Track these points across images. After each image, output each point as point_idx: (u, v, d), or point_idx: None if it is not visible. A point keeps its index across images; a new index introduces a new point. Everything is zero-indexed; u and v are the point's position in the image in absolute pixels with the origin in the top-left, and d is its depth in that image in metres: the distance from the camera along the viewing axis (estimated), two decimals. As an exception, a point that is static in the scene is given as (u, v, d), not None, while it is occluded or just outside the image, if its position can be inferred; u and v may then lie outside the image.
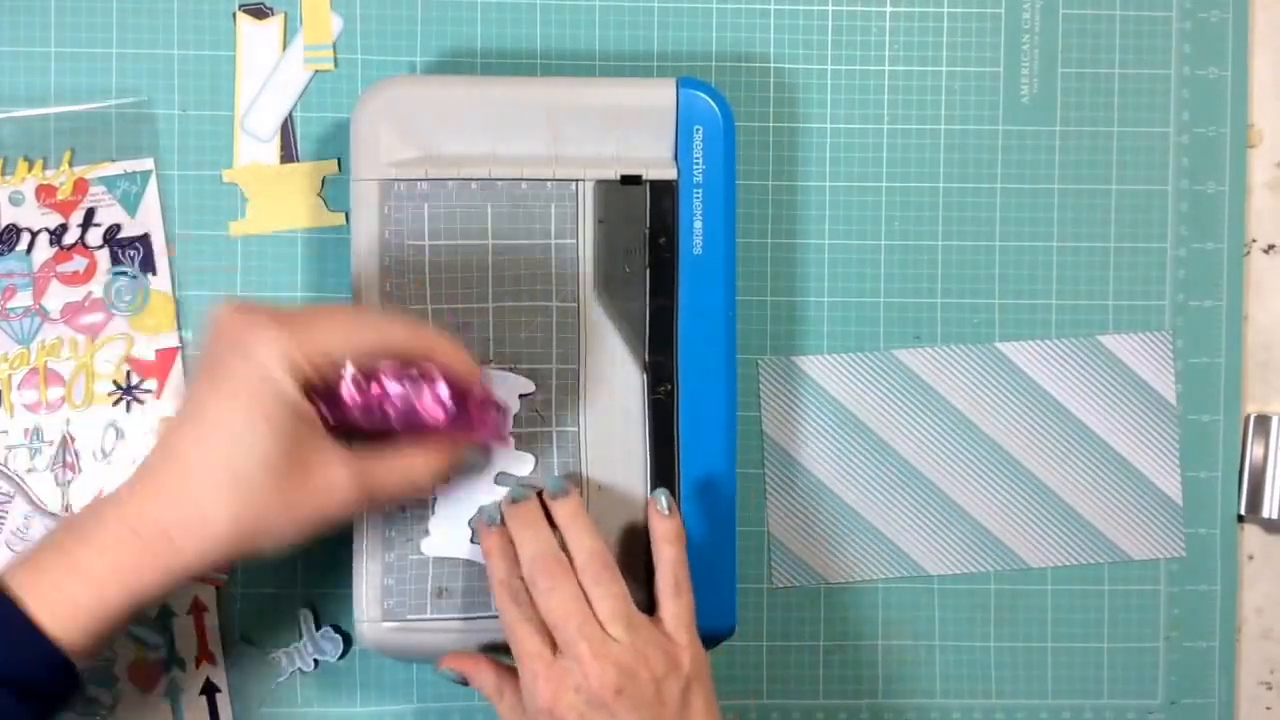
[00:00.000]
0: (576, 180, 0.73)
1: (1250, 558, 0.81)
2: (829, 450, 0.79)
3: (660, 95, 0.74)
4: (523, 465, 0.73)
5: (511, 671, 0.69)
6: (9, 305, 0.76)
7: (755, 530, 0.79)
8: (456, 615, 0.73)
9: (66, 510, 0.77)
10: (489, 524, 0.70)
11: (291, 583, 0.78)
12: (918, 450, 0.80)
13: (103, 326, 0.77)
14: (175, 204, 0.77)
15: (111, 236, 0.77)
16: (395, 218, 0.73)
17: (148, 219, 0.77)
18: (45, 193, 0.76)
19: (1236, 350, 0.80)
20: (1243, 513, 0.81)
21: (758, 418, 0.79)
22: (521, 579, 0.68)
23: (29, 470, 0.77)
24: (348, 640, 0.78)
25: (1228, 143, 0.80)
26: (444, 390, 0.65)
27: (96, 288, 0.77)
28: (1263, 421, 0.80)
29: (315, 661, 0.78)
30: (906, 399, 0.80)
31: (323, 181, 0.78)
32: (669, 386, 0.73)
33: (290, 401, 0.61)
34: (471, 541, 0.73)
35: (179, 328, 0.77)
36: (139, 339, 0.77)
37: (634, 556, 0.73)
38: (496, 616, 0.72)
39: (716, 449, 0.73)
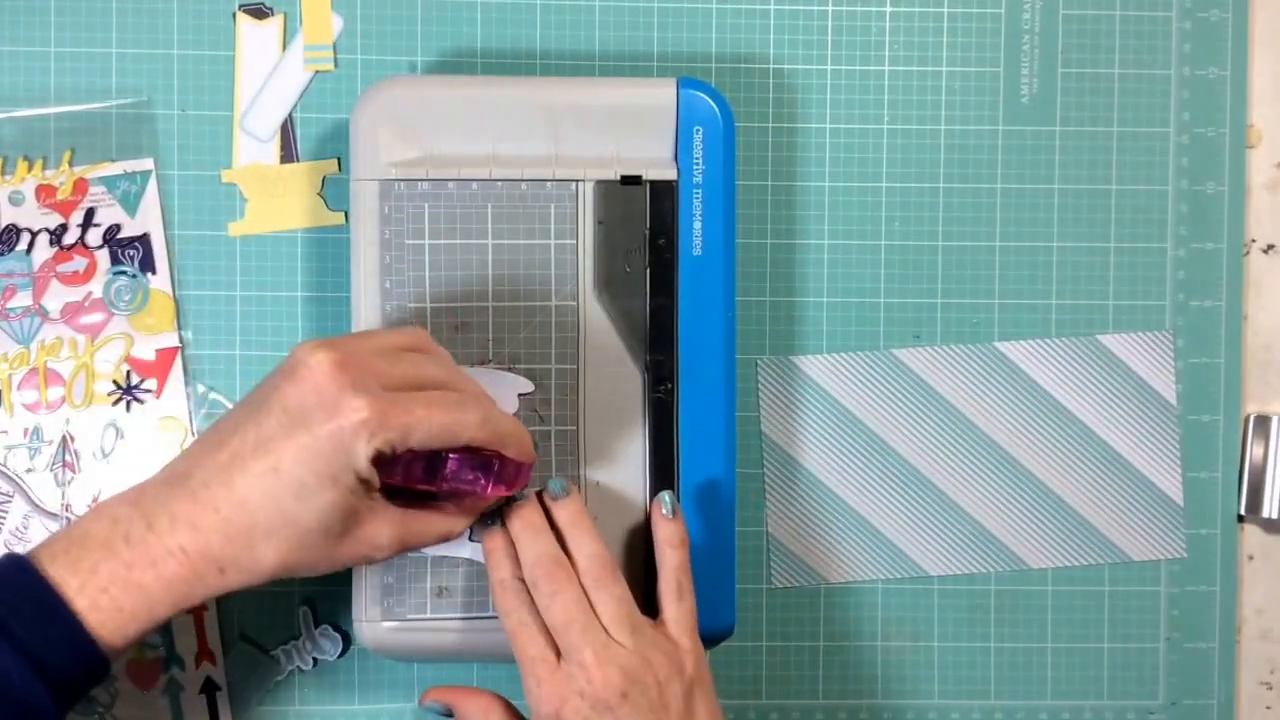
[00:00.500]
0: (576, 180, 0.73)
1: (1250, 558, 0.81)
2: (828, 450, 0.79)
3: (660, 95, 0.74)
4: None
5: (498, 700, 0.70)
6: (9, 305, 0.76)
7: (754, 530, 0.79)
8: (457, 615, 0.73)
9: (66, 510, 0.77)
10: (489, 524, 0.70)
11: (291, 581, 0.78)
12: (917, 450, 0.80)
13: (102, 326, 0.77)
14: (175, 204, 0.77)
15: (111, 236, 0.77)
16: (395, 218, 0.73)
17: (147, 219, 0.77)
18: (45, 193, 0.76)
19: (1236, 350, 0.80)
20: (1243, 513, 0.81)
21: (757, 418, 0.79)
22: (522, 581, 0.68)
23: (28, 470, 0.77)
24: (347, 639, 0.78)
25: (1227, 143, 0.80)
26: (494, 473, 0.66)
27: (96, 288, 0.77)
28: (1263, 421, 0.80)
29: (314, 660, 0.78)
30: (906, 399, 0.80)
31: (323, 181, 0.78)
32: (669, 386, 0.73)
33: (362, 471, 0.61)
34: (471, 540, 0.73)
35: (179, 327, 0.77)
36: (139, 339, 0.77)
37: (633, 557, 0.73)
38: (497, 616, 0.72)
39: (716, 449, 0.73)
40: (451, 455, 0.65)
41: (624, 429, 0.73)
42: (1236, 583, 0.81)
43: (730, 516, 0.74)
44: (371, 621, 0.73)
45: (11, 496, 0.77)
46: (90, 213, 0.77)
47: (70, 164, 0.77)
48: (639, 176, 0.73)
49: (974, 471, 0.80)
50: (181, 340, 0.77)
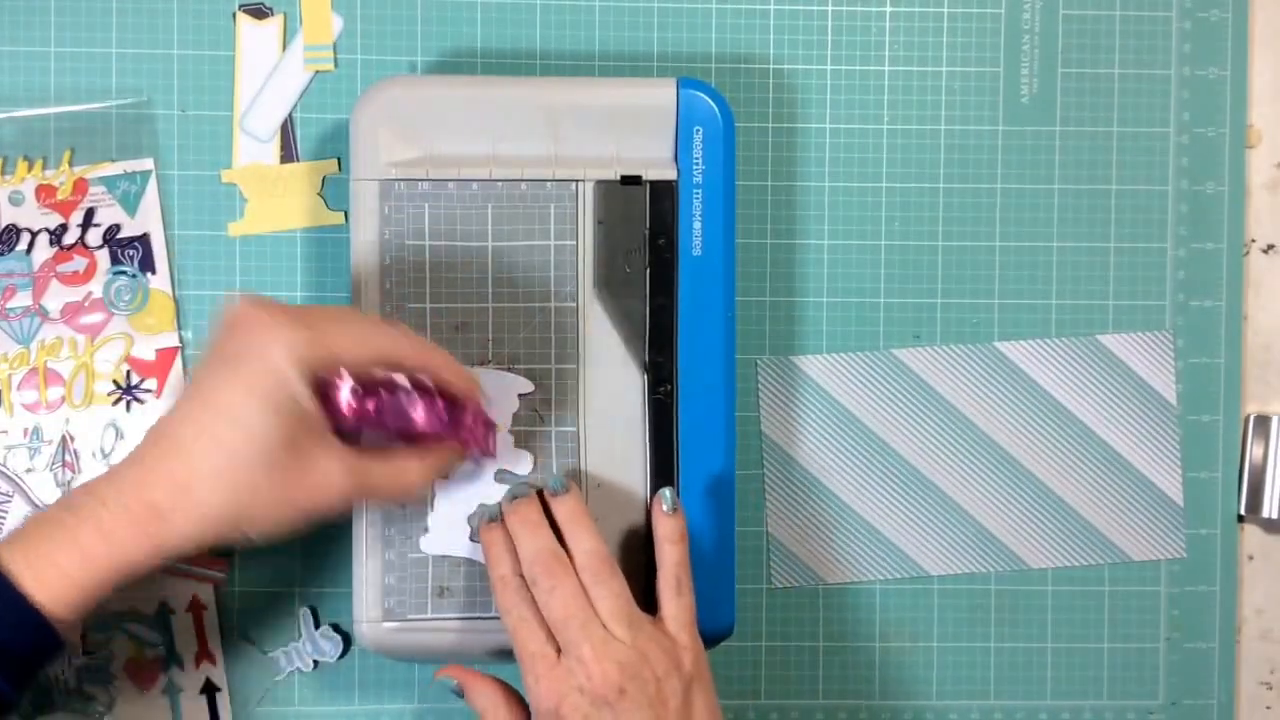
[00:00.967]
0: (576, 181, 0.73)
1: (1250, 558, 0.81)
2: (828, 450, 0.79)
3: (660, 95, 0.74)
4: (522, 464, 0.73)
5: (509, 691, 0.70)
6: (9, 305, 0.76)
7: (754, 530, 0.79)
8: (458, 615, 0.73)
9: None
10: (489, 521, 0.70)
11: (291, 581, 0.78)
12: (917, 450, 0.80)
13: (102, 326, 0.77)
14: (175, 204, 0.77)
15: (111, 236, 0.77)
16: (395, 218, 0.73)
17: (147, 219, 0.77)
18: (45, 193, 0.76)
19: (1236, 350, 0.80)
20: (1243, 513, 0.81)
21: (757, 418, 0.79)
22: (522, 577, 0.68)
23: (28, 470, 0.77)
24: (347, 640, 0.78)
25: (1227, 143, 0.80)
26: (439, 403, 0.66)
27: (96, 287, 0.77)
28: (1262, 421, 0.80)
29: (314, 661, 0.78)
30: (906, 399, 0.80)
31: (323, 181, 0.78)
32: (668, 386, 0.73)
33: (299, 397, 0.62)
34: (471, 539, 0.73)
35: (179, 327, 0.77)
36: (139, 339, 0.77)
37: (633, 556, 0.73)
38: (498, 616, 0.72)
39: (716, 449, 0.73)
40: (381, 380, 0.65)
41: (624, 429, 0.73)
42: (1236, 583, 0.81)
43: (730, 516, 0.74)
44: (372, 622, 0.73)
45: (11, 496, 0.77)
46: (90, 213, 0.77)
47: (70, 164, 0.77)
48: (639, 176, 0.73)
49: (974, 471, 0.80)
50: (181, 340, 0.77)
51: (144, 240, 0.77)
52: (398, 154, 0.73)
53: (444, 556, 0.73)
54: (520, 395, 0.73)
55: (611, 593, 0.67)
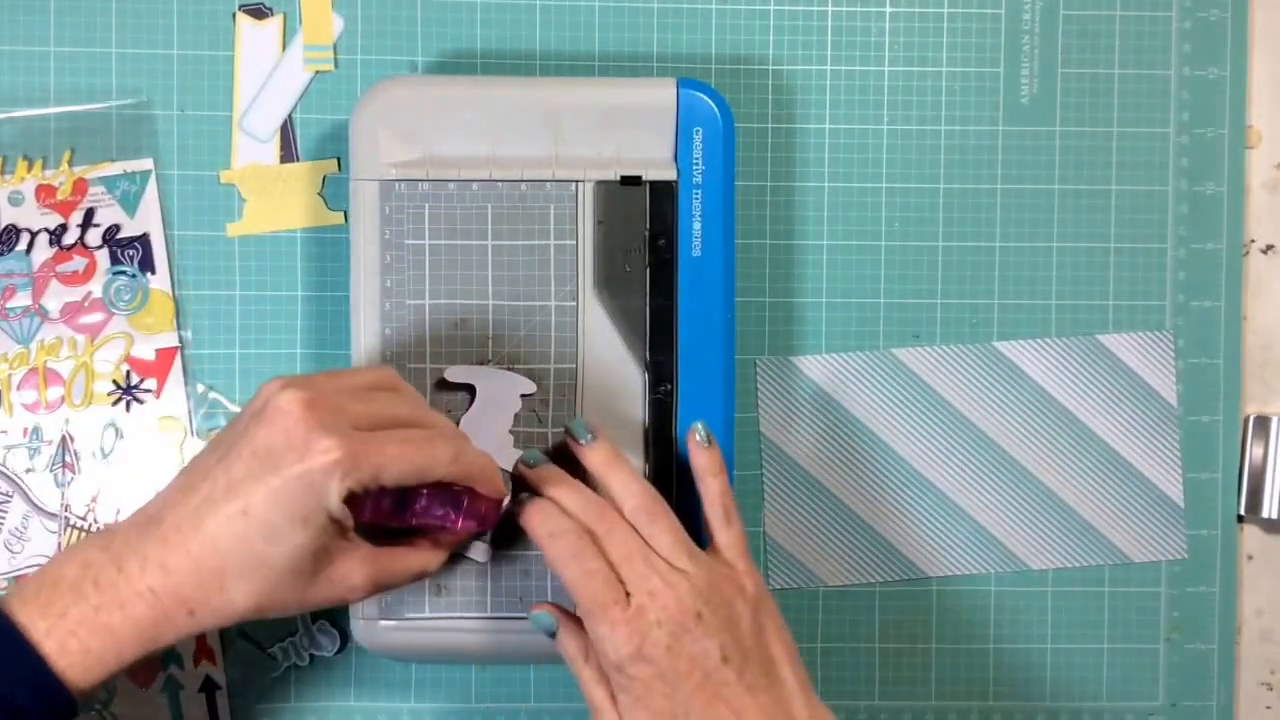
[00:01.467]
0: (576, 181, 0.73)
1: (1250, 558, 0.81)
2: (826, 451, 0.79)
3: (660, 96, 0.74)
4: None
5: (588, 648, 0.68)
6: (8, 305, 0.76)
7: (753, 531, 0.79)
8: (455, 614, 0.73)
9: (66, 510, 0.77)
10: (523, 497, 0.69)
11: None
12: (917, 451, 0.80)
13: (102, 326, 0.77)
14: (175, 204, 0.77)
15: (111, 236, 0.77)
16: (395, 218, 0.73)
17: (147, 219, 0.77)
18: (45, 193, 0.77)
19: (1235, 351, 0.80)
20: (1242, 513, 0.80)
21: (755, 418, 0.79)
22: (578, 530, 0.67)
23: (28, 470, 0.77)
24: (345, 636, 0.78)
25: (1226, 143, 0.80)
26: (463, 503, 0.66)
27: (96, 287, 0.77)
28: (1262, 422, 0.80)
29: (312, 657, 0.78)
30: (905, 399, 0.80)
31: (322, 181, 0.78)
32: (668, 386, 0.73)
33: (337, 514, 0.61)
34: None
35: (178, 327, 0.77)
36: (138, 338, 0.77)
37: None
38: (498, 616, 0.73)
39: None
40: (422, 491, 0.65)
41: (624, 429, 0.73)
42: (1236, 583, 0.81)
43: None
44: (369, 620, 0.73)
45: (11, 496, 0.77)
46: (90, 213, 0.77)
47: (70, 164, 0.77)
48: (639, 177, 0.73)
49: (974, 472, 0.80)
50: (181, 340, 0.77)
51: (143, 240, 0.77)
52: (398, 154, 0.73)
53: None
54: (522, 395, 0.73)
55: (665, 529, 0.67)
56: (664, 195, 0.73)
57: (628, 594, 0.65)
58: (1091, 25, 0.80)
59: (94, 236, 0.77)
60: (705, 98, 0.74)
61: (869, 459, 0.79)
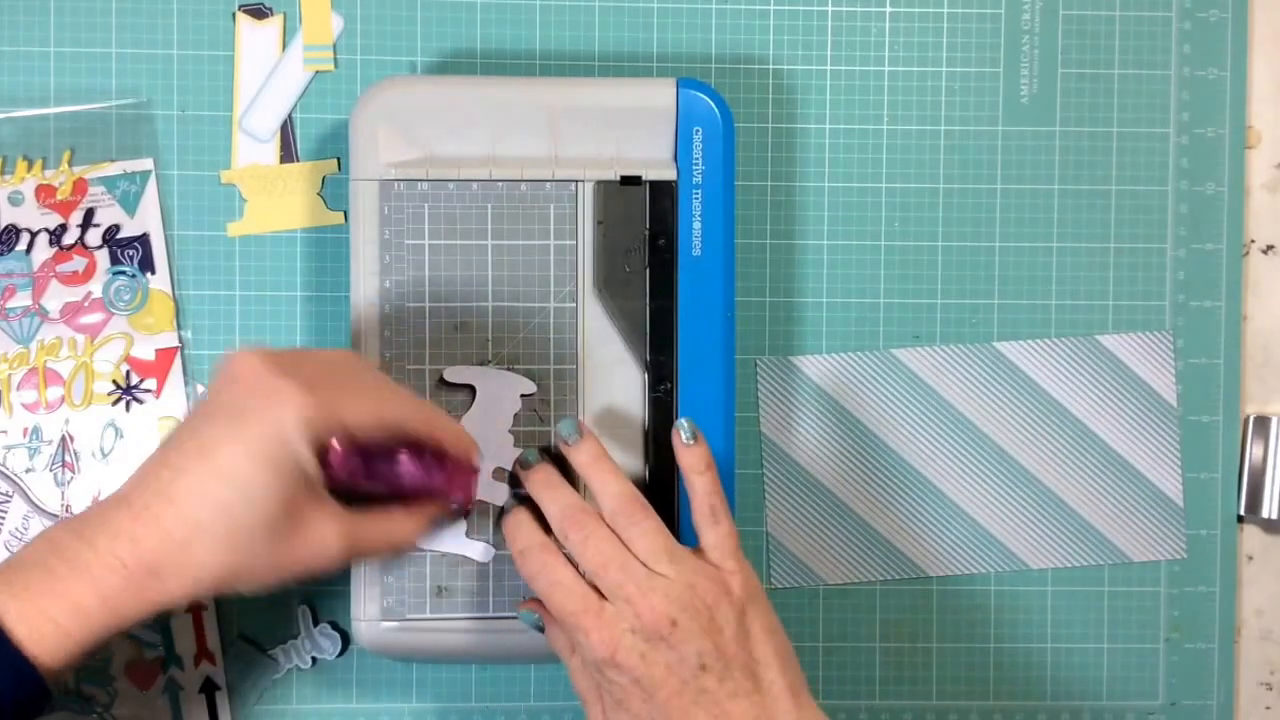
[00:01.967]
0: (576, 181, 0.73)
1: (1250, 558, 0.81)
2: (827, 450, 0.79)
3: (660, 96, 0.74)
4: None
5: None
6: (8, 305, 0.76)
7: (754, 530, 0.79)
8: (457, 615, 0.73)
9: (66, 510, 0.77)
10: (509, 506, 0.70)
11: (290, 581, 0.78)
12: (917, 451, 0.80)
13: (102, 326, 0.77)
14: (174, 204, 0.77)
15: (111, 237, 0.77)
16: (395, 218, 0.73)
17: (147, 219, 0.77)
18: (45, 193, 0.77)
19: (1235, 351, 0.80)
20: (1242, 513, 0.80)
21: (756, 418, 0.79)
22: (544, 545, 0.67)
23: (28, 470, 0.77)
24: (346, 638, 0.78)
25: (1226, 143, 0.80)
26: (433, 464, 0.67)
27: (96, 287, 0.77)
28: (1262, 422, 0.80)
29: (313, 659, 0.78)
30: (905, 399, 0.80)
31: (322, 181, 0.78)
32: (668, 386, 0.73)
33: (303, 463, 0.61)
34: (466, 536, 0.73)
35: (178, 327, 0.77)
36: (138, 338, 0.77)
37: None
38: (499, 617, 0.73)
39: (715, 448, 0.73)
40: (394, 452, 0.65)
41: (624, 429, 0.73)
42: (1235, 583, 0.81)
43: (729, 516, 0.74)
44: (370, 621, 0.73)
45: (11, 496, 0.77)
46: (90, 213, 0.77)
47: (70, 164, 0.77)
48: (639, 177, 0.73)
49: (974, 472, 0.80)
50: (181, 340, 0.77)
51: (143, 240, 0.77)
52: (397, 154, 0.73)
53: (443, 556, 0.73)
54: (522, 395, 0.73)
55: (645, 531, 0.66)
56: (664, 195, 0.73)
57: (606, 600, 0.65)
58: (1091, 25, 0.80)
59: (94, 236, 0.77)
60: (705, 98, 0.74)
61: (870, 459, 0.80)
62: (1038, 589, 0.80)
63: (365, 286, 0.73)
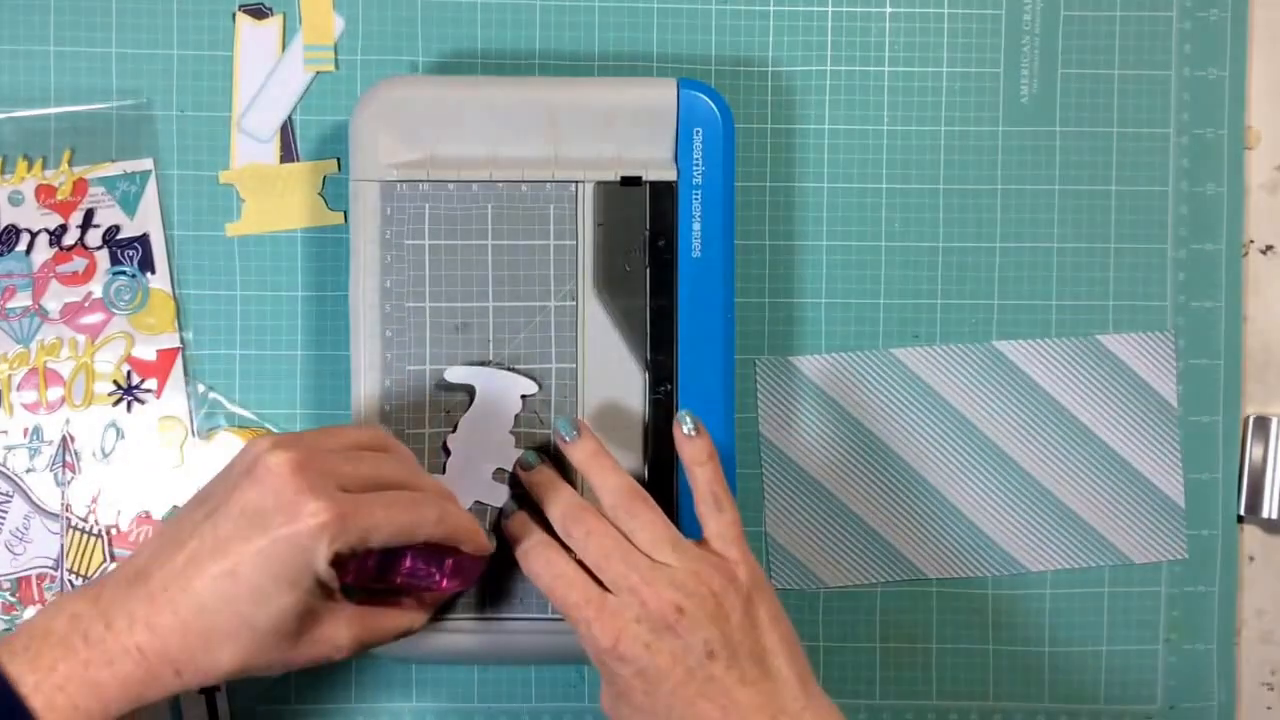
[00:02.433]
0: (576, 181, 0.73)
1: (1250, 559, 0.81)
2: (826, 451, 0.79)
3: (660, 96, 0.74)
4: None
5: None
6: (8, 305, 0.76)
7: (754, 531, 0.79)
8: (457, 616, 0.73)
9: (66, 510, 0.77)
10: (509, 510, 0.71)
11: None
12: (916, 451, 0.80)
13: (102, 326, 0.77)
14: (174, 204, 0.77)
15: (111, 237, 0.77)
16: (395, 218, 0.73)
17: (147, 219, 0.77)
18: (45, 193, 0.77)
19: (1236, 351, 0.80)
20: (1242, 514, 0.80)
21: (755, 419, 0.79)
22: (544, 543, 0.68)
23: (28, 470, 0.77)
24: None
25: (1226, 144, 0.80)
26: (448, 564, 0.67)
27: (96, 288, 0.77)
28: (1262, 422, 0.80)
29: (314, 661, 0.78)
30: (905, 399, 0.80)
31: (323, 181, 0.78)
32: (668, 386, 0.73)
33: (324, 578, 0.61)
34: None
35: (179, 328, 0.77)
36: (139, 339, 0.77)
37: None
38: (499, 618, 0.73)
39: (716, 447, 0.73)
40: (407, 551, 0.65)
41: (624, 429, 0.73)
42: (1236, 584, 0.81)
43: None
44: (370, 622, 0.73)
45: (11, 497, 0.77)
46: (90, 213, 0.77)
47: (70, 164, 0.77)
48: (639, 177, 0.73)
49: (973, 473, 0.80)
50: (182, 340, 0.77)
51: (143, 240, 0.77)
52: (398, 155, 0.73)
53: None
54: (523, 396, 0.73)
55: (646, 523, 0.67)
56: (664, 195, 0.73)
57: (610, 593, 0.65)
58: (1091, 25, 0.80)
59: (94, 237, 0.77)
60: (705, 98, 0.74)
61: (869, 460, 0.79)
62: (1037, 591, 0.80)
63: (365, 286, 0.73)
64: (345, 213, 0.77)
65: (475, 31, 0.79)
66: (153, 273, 0.77)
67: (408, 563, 0.65)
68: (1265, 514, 0.80)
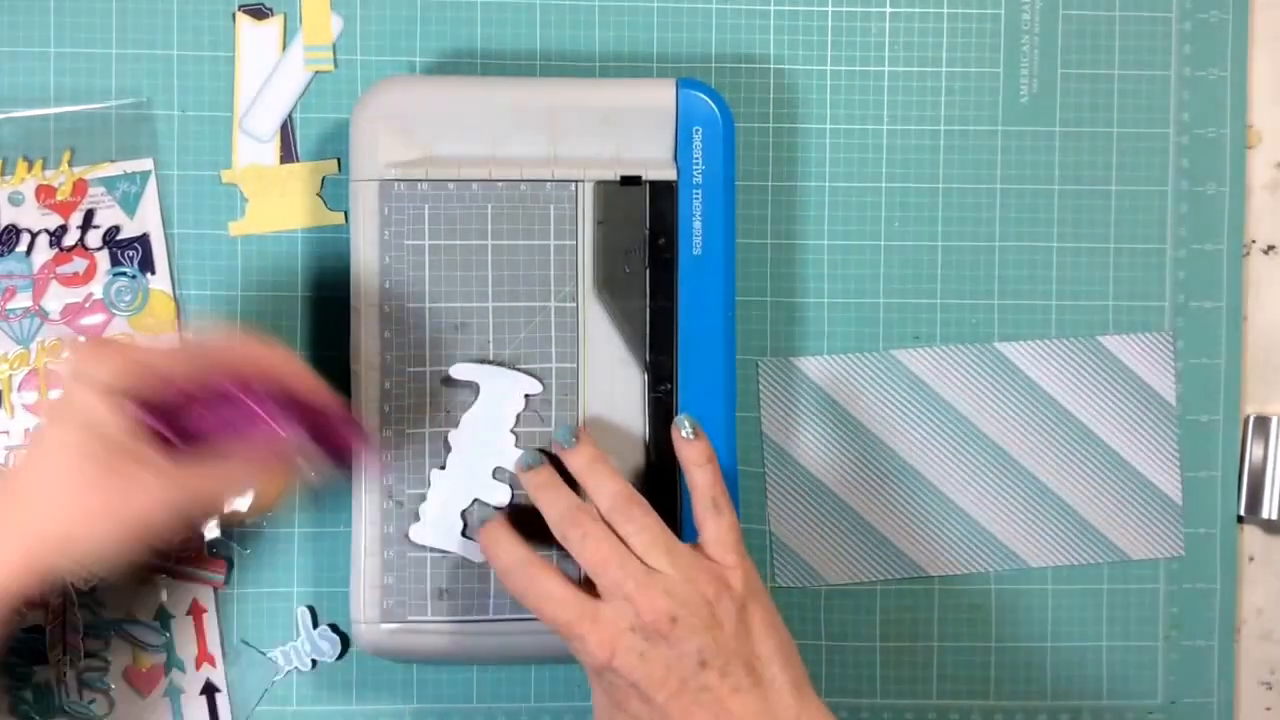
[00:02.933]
0: (576, 181, 0.73)
1: (1251, 559, 0.81)
2: (829, 451, 0.79)
3: (660, 96, 0.74)
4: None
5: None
6: (9, 306, 0.76)
7: (758, 529, 0.79)
8: (458, 617, 0.73)
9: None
10: (482, 521, 0.71)
11: (289, 582, 0.78)
12: (917, 451, 0.80)
13: (103, 327, 0.77)
14: (175, 205, 0.77)
15: (111, 238, 0.77)
16: (395, 218, 0.73)
17: (147, 220, 0.77)
18: (45, 193, 0.76)
19: (1236, 351, 0.80)
20: (1242, 514, 0.80)
21: (757, 418, 0.79)
22: (526, 559, 0.67)
23: (28, 470, 0.77)
24: (345, 640, 0.78)
25: (1227, 143, 0.80)
26: (269, 407, 0.66)
27: (96, 289, 0.77)
28: (1262, 422, 0.80)
29: (313, 661, 0.78)
30: (906, 400, 0.80)
31: (322, 181, 0.78)
32: (668, 386, 0.73)
33: (102, 413, 0.62)
34: (463, 535, 0.73)
35: (180, 328, 0.77)
36: (140, 339, 0.77)
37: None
38: (500, 619, 0.73)
39: (717, 448, 0.73)
40: (197, 397, 0.65)
41: (624, 429, 0.73)
42: (1236, 581, 0.81)
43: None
44: (370, 623, 0.73)
45: (11, 497, 0.76)
46: (90, 214, 0.77)
47: (70, 165, 0.77)
48: (639, 177, 0.73)
49: (974, 472, 0.80)
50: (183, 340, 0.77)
51: (144, 241, 0.77)
52: (397, 154, 0.73)
53: (442, 556, 0.73)
54: (526, 395, 0.73)
55: (642, 528, 0.66)
56: (664, 195, 0.73)
57: (603, 600, 0.65)
58: (1091, 25, 0.80)
59: (94, 238, 0.77)
60: (705, 97, 0.74)
61: (871, 460, 0.79)
62: (1038, 587, 0.80)
63: (365, 286, 0.73)
64: (345, 213, 0.77)
65: (475, 31, 0.79)
66: (153, 273, 0.77)
67: (200, 409, 0.65)
68: (1265, 514, 0.80)
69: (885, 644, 0.80)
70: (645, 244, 0.73)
